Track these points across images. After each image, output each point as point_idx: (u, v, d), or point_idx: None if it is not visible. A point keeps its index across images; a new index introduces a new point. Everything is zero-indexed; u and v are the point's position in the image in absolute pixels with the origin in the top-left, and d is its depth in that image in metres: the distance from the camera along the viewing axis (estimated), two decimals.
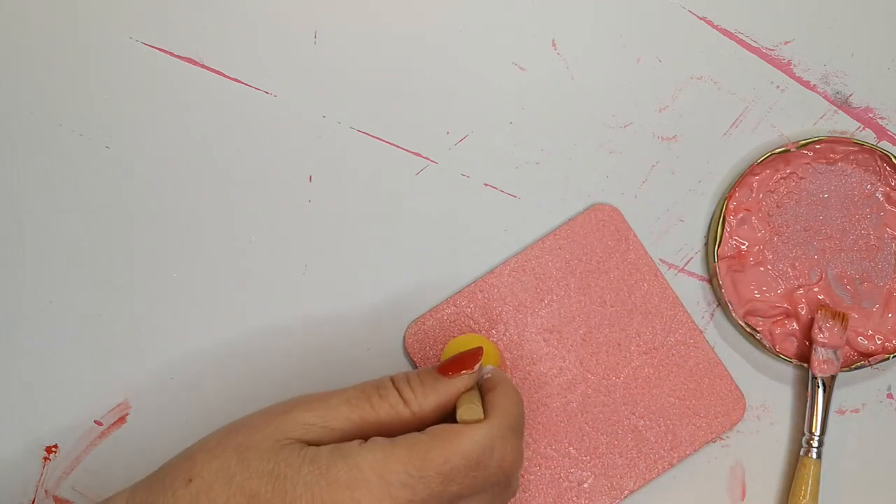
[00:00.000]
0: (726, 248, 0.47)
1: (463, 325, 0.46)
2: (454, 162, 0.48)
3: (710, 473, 0.47)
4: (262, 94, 0.48)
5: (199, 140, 0.48)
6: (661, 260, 0.48)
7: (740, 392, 0.46)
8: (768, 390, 0.48)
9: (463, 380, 0.38)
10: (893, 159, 0.47)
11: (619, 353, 0.46)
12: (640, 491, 0.46)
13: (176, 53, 0.48)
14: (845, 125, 0.48)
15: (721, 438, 0.47)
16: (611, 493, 0.45)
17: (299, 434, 0.36)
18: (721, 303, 0.47)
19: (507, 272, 0.47)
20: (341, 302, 0.47)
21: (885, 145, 0.48)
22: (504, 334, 0.46)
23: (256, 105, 0.48)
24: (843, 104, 0.48)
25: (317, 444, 0.36)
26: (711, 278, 0.48)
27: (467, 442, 0.35)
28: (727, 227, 0.47)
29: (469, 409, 0.37)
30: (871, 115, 0.48)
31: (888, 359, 0.46)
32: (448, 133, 0.48)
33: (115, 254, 0.47)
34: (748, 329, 0.46)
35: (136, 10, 0.47)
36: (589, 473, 0.46)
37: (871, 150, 0.47)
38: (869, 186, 0.48)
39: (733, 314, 0.46)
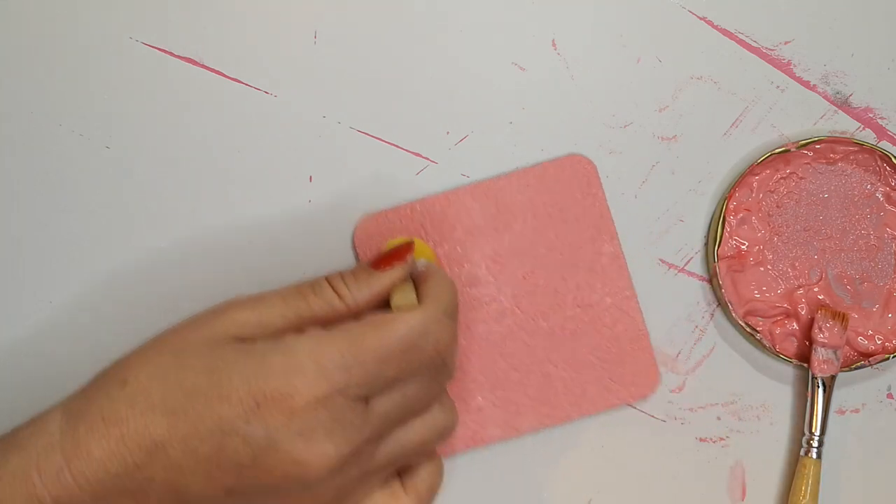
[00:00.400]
0: (726, 248, 0.47)
1: (413, 231, 0.47)
2: (454, 162, 0.48)
3: (710, 473, 0.47)
4: (262, 94, 0.48)
5: (199, 140, 0.48)
6: (660, 260, 0.48)
7: (657, 369, 0.47)
8: (768, 390, 0.48)
9: (396, 271, 0.39)
10: (893, 159, 0.47)
11: (553, 299, 0.47)
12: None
13: (176, 53, 0.47)
14: (845, 125, 0.48)
15: (652, 416, 0.47)
16: (504, 426, 0.46)
17: (234, 332, 0.37)
18: (721, 303, 0.47)
19: (469, 194, 0.47)
20: None
21: (885, 145, 0.48)
22: (450, 251, 0.47)
23: (256, 105, 0.48)
24: (843, 104, 0.48)
25: (252, 341, 0.37)
26: (711, 278, 0.48)
27: (402, 326, 0.36)
28: (727, 227, 0.47)
29: (403, 297, 0.39)
30: (871, 115, 0.48)
31: (888, 359, 0.46)
32: (448, 133, 0.48)
33: (115, 253, 0.47)
34: (748, 329, 0.46)
35: (136, 10, 0.47)
36: (487, 402, 0.46)
37: (871, 150, 0.47)
38: (869, 186, 0.48)
39: (733, 314, 0.46)
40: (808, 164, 0.48)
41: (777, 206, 0.48)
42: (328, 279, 0.39)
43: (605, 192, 0.47)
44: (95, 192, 0.47)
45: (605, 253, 0.47)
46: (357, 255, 0.47)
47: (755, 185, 0.48)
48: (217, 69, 0.47)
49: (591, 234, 0.47)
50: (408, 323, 0.37)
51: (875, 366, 0.47)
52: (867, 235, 0.48)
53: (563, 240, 0.47)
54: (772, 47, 0.48)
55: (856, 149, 0.47)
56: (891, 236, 0.48)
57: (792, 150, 0.47)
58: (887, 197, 0.48)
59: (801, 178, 0.48)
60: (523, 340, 0.47)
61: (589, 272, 0.47)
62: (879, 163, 0.47)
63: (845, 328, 0.46)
